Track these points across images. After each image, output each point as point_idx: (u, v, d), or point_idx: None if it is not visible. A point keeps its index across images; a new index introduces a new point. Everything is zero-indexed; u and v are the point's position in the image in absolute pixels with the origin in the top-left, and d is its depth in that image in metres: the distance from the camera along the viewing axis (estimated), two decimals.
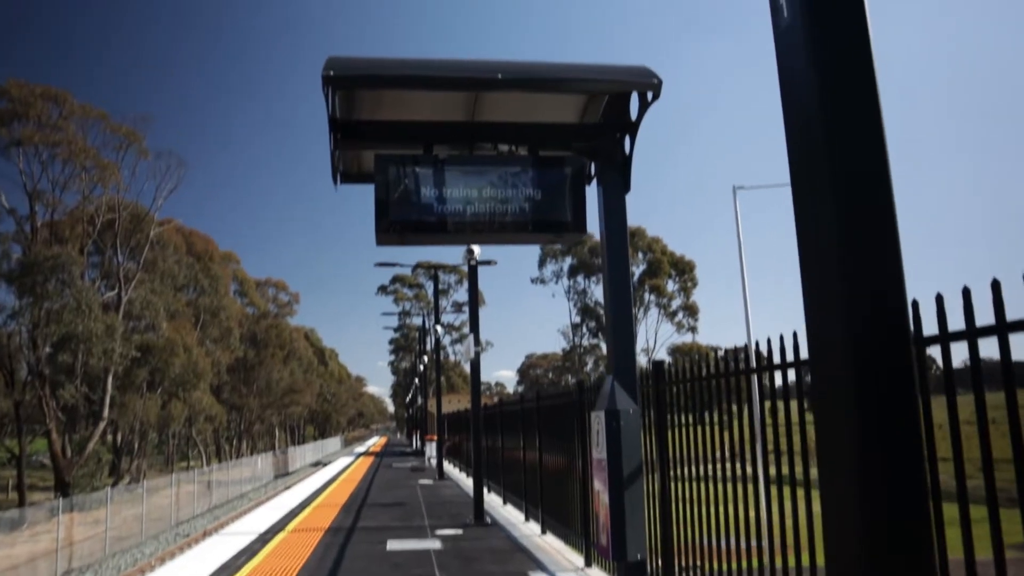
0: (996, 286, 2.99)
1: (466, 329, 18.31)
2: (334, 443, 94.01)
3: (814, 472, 3.76)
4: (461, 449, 26.15)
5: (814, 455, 2.60)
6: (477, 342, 14.02)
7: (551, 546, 10.17)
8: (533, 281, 71.89)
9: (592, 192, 5.65)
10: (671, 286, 66.67)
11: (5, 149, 38.63)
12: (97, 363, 38.97)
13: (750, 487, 5.23)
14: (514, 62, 5.20)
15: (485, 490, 14.78)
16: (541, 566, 8.87)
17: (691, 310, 66.55)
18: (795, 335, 4.66)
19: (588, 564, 8.64)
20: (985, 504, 2.94)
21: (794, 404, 4.91)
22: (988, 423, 3.11)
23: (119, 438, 49.63)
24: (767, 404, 5.22)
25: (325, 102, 5.00)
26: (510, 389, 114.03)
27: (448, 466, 27.51)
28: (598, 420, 5.29)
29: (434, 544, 10.54)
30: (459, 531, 11.84)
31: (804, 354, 4.49)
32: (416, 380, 54.10)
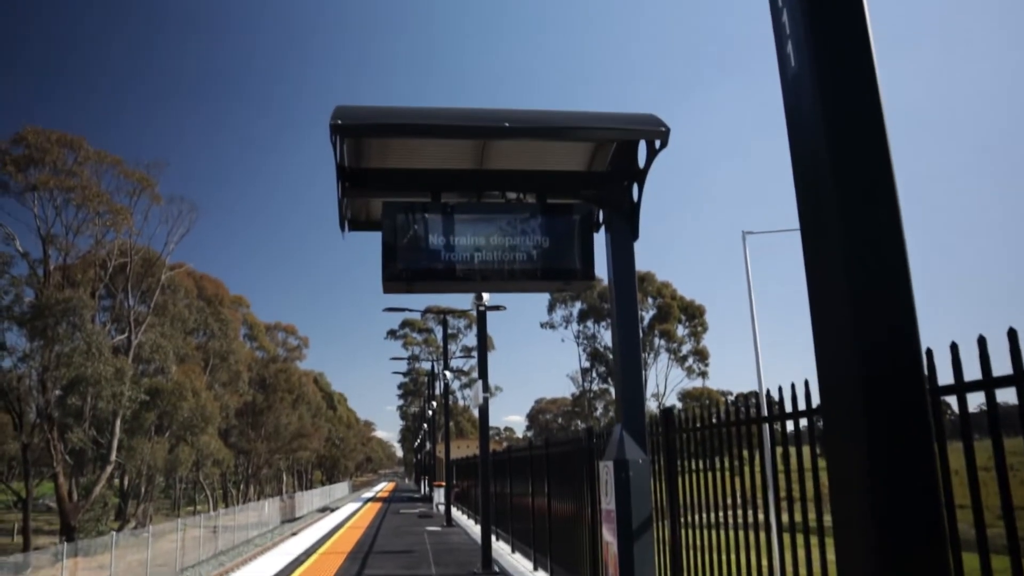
0: (1013, 335, 2.94)
1: (475, 374, 18.23)
2: (342, 488, 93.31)
3: (828, 519, 3.69)
4: (470, 495, 25.90)
5: (827, 501, 2.55)
6: (486, 388, 13.94)
7: None
8: (543, 326, 71.75)
9: (600, 239, 5.64)
10: (681, 331, 66.45)
11: (21, 194, 39.10)
12: (106, 406, 38.93)
13: (762, 534, 5.14)
14: (521, 110, 5.21)
15: (493, 537, 14.58)
16: None
17: (701, 355, 66.24)
18: (806, 383, 4.61)
19: None
20: (1007, 554, 2.87)
21: (807, 449, 4.84)
22: (1007, 471, 3.04)
23: (126, 482, 49.38)
24: (779, 450, 5.15)
25: (333, 150, 5.01)
26: (519, 434, 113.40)
27: (456, 512, 27.22)
28: (607, 470, 5.22)
29: None
30: None
31: (816, 401, 4.43)
32: (425, 425, 53.82)
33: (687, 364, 66.52)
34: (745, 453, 5.48)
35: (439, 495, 34.91)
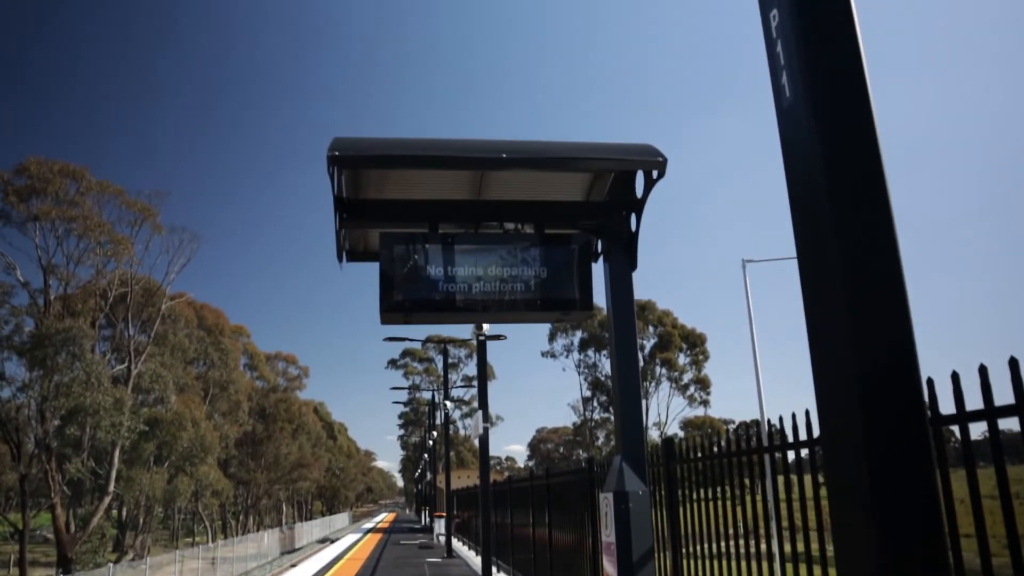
0: (1014, 364, 2.93)
1: (476, 403, 18.18)
2: (342, 519, 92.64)
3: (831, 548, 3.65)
4: (470, 526, 25.71)
5: (830, 530, 2.52)
6: (486, 418, 13.88)
7: None
8: (543, 355, 71.55)
9: (599, 269, 5.63)
10: (682, 359, 66.34)
11: (23, 224, 39.15)
12: (105, 436, 38.74)
13: (765, 564, 5.09)
14: (519, 141, 5.22)
15: (494, 568, 14.45)
16: None
17: (703, 383, 66.06)
18: (807, 412, 4.60)
19: None
20: None
21: (809, 478, 4.81)
22: (1012, 500, 3.01)
23: (124, 513, 49.06)
24: (780, 479, 5.12)
25: (330, 182, 5.02)
26: (520, 463, 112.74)
27: (457, 543, 27.00)
28: (606, 502, 5.17)
29: None
30: None
31: (817, 431, 4.41)
32: (425, 455, 53.55)
33: (689, 393, 66.37)
34: (747, 482, 5.45)
35: (440, 525, 34.67)
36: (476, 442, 16.36)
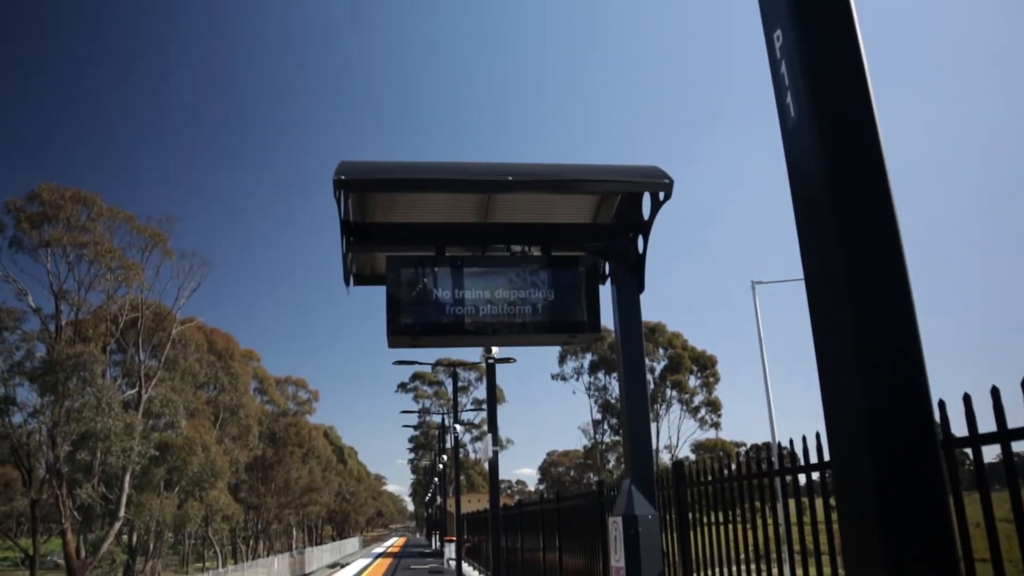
0: None
1: (486, 426, 18.13)
2: (352, 543, 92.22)
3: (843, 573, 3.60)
4: (481, 550, 25.55)
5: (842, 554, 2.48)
6: (495, 442, 13.84)
7: None
8: (554, 377, 71.22)
9: (606, 291, 5.61)
10: (693, 382, 66.01)
11: (34, 250, 39.40)
12: (115, 461, 38.73)
13: None
14: (525, 164, 5.22)
15: None
16: None
17: (714, 406, 65.70)
18: (817, 435, 4.57)
19: None
20: None
21: (820, 501, 4.76)
22: None
23: (134, 538, 48.95)
24: (791, 502, 5.07)
25: (337, 205, 5.02)
26: (531, 487, 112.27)
27: (468, 568, 26.82)
28: (615, 526, 5.13)
29: None
30: None
31: (828, 454, 4.38)
32: (435, 479, 53.35)
33: (700, 415, 65.98)
34: (758, 505, 5.40)
35: (450, 550, 34.48)
36: (486, 465, 16.31)
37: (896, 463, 1.87)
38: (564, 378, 70.53)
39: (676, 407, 66.14)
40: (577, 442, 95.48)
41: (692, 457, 61.86)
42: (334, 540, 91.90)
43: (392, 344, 5.16)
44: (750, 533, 5.51)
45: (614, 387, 68.03)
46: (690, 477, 6.55)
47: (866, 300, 1.97)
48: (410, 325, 5.09)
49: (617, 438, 69.61)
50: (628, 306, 5.49)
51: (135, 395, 43.39)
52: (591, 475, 73.49)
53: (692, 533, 6.37)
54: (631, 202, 5.69)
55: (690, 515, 6.51)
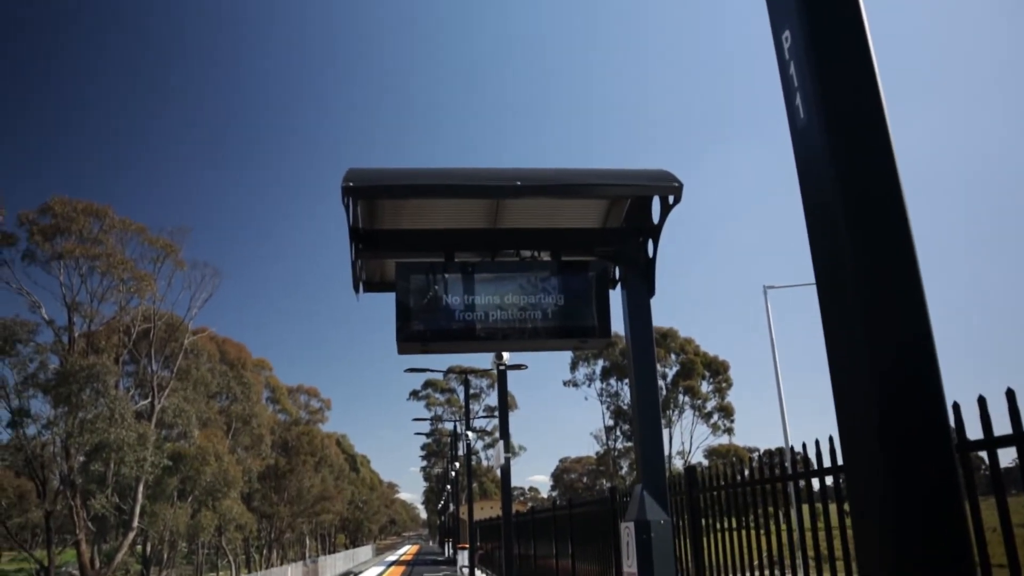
0: None
1: (498, 433, 18.13)
2: (365, 552, 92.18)
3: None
4: (493, 557, 25.50)
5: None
6: (507, 448, 13.81)
7: None
8: (565, 384, 71.16)
9: (616, 296, 5.60)
10: (705, 387, 65.86)
11: (47, 263, 39.62)
12: (129, 472, 38.86)
13: None
14: (534, 169, 5.21)
15: None
16: None
17: (726, 411, 65.51)
18: (831, 439, 4.54)
19: None
20: None
21: (835, 506, 4.73)
22: None
23: (148, 548, 49.07)
24: (805, 507, 5.03)
25: (346, 212, 5.03)
26: (544, 494, 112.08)
27: (480, 575, 26.76)
28: (627, 531, 5.10)
29: None
30: None
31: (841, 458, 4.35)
32: (448, 486, 53.32)
33: (712, 420, 65.81)
34: (771, 510, 5.36)
35: (463, 557, 34.42)
36: (499, 472, 16.30)
37: (910, 467, 1.85)
38: (576, 384, 70.50)
39: (689, 413, 66.06)
40: (589, 448, 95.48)
41: (705, 463, 61.64)
42: (347, 548, 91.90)
43: (402, 350, 5.15)
44: (763, 538, 5.47)
45: (626, 393, 67.89)
46: (702, 482, 6.52)
47: (878, 302, 1.95)
48: (420, 331, 5.08)
49: (629, 444, 69.45)
50: (638, 310, 5.47)
51: (148, 405, 43.55)
52: (604, 481, 73.30)
53: (705, 539, 6.34)
54: (640, 206, 5.67)
55: (703, 520, 6.48)
